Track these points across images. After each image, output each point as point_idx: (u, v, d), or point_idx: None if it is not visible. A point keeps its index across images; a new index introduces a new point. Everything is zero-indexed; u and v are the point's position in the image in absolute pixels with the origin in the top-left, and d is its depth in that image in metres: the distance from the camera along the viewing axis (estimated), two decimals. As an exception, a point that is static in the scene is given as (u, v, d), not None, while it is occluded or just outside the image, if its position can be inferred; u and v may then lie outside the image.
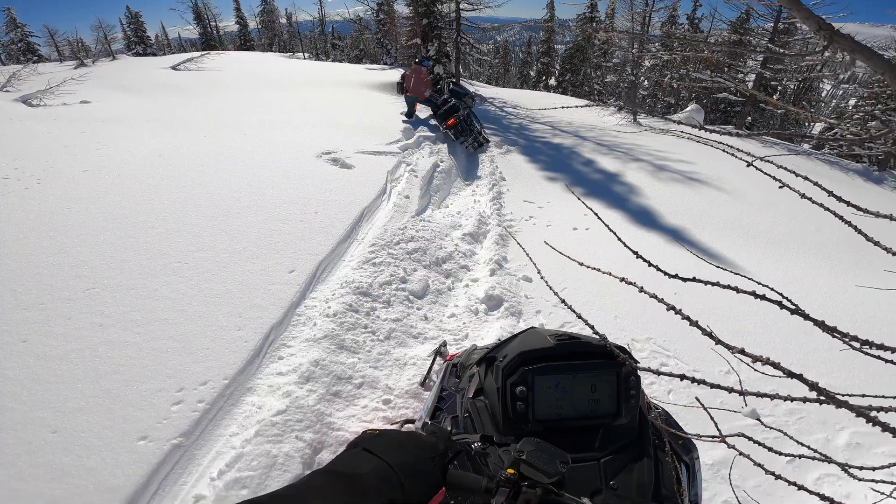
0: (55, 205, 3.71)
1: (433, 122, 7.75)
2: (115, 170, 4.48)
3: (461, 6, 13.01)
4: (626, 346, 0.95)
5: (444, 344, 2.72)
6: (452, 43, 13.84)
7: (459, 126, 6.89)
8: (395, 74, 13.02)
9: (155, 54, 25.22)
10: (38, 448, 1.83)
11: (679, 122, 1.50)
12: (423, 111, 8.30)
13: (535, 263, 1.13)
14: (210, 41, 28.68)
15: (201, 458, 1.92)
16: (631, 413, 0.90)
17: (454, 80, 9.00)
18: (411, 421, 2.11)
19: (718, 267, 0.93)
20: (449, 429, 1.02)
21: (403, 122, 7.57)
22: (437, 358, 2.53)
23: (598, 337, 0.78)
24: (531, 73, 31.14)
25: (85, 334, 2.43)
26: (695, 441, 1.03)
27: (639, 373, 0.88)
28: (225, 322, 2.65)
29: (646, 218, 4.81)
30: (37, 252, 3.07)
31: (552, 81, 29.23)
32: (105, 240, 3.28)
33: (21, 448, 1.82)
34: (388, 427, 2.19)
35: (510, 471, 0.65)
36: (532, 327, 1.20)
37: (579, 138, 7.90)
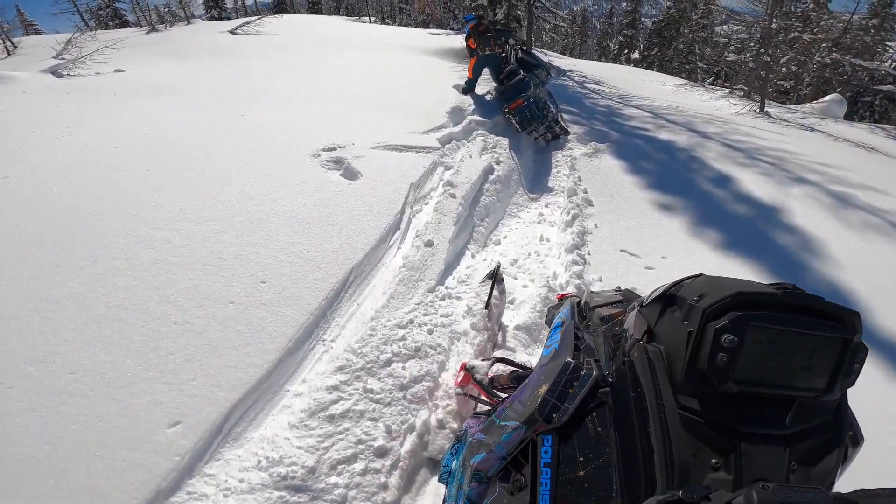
0: None
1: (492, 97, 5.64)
2: (38, 177, 2.95)
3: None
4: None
5: (499, 267, 2.40)
6: (524, 6, 11.23)
7: (527, 111, 4.68)
8: (459, 40, 10.81)
9: (229, 17, 24.47)
10: None
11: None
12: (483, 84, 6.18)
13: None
14: (282, 4, 27.54)
15: None
16: (843, 391, 0.64)
17: (524, 47, 6.67)
18: (504, 360, 1.63)
19: None
20: (594, 373, 0.74)
21: (459, 95, 5.55)
22: (494, 282, 2.21)
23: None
24: (611, 46, 27.02)
25: None
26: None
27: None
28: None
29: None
30: None
31: (635, 55, 25.08)
32: None
33: None
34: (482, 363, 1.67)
35: None
36: (699, 274, 0.74)
37: (696, 134, 5.41)
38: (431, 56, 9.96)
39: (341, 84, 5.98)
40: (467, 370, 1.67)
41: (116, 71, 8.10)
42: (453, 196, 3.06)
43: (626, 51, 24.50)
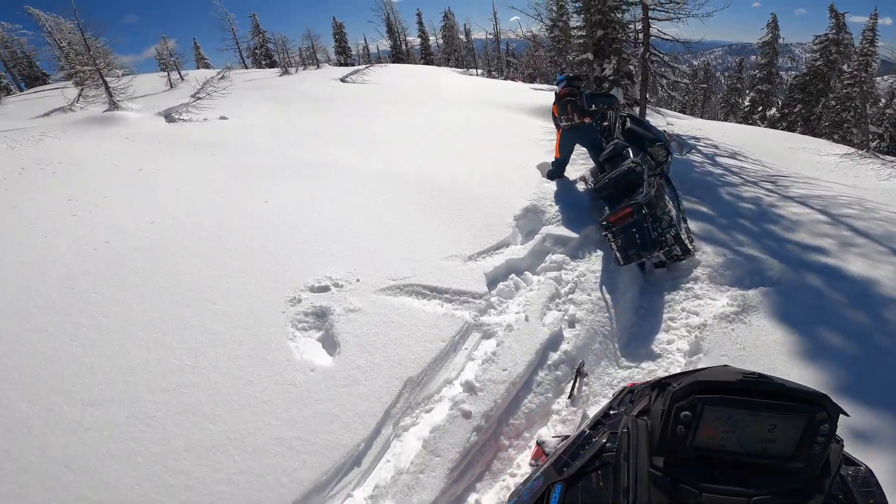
0: None
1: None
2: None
3: (650, 13, 8.46)
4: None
5: (583, 364, 2.31)
6: (638, 60, 9.54)
7: (635, 230, 2.99)
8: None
9: (353, 63, 26.53)
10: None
11: None
12: (579, 161, 4.76)
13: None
14: (399, 54, 29.20)
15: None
16: (810, 461, 0.74)
17: (630, 115, 5.00)
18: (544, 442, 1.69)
19: None
20: (604, 441, 0.91)
21: (542, 182, 4.23)
22: (578, 377, 2.23)
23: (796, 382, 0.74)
24: (741, 102, 23.42)
25: None
26: None
27: (837, 423, 0.73)
28: None
29: None
30: None
31: (772, 112, 21.25)
32: None
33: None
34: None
35: None
36: (725, 365, 0.90)
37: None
38: (527, 115, 8.79)
39: (399, 155, 5.06)
40: (538, 444, 1.76)
41: (221, 118, 8.40)
42: (467, 416, 1.68)
43: (760, 108, 20.89)
